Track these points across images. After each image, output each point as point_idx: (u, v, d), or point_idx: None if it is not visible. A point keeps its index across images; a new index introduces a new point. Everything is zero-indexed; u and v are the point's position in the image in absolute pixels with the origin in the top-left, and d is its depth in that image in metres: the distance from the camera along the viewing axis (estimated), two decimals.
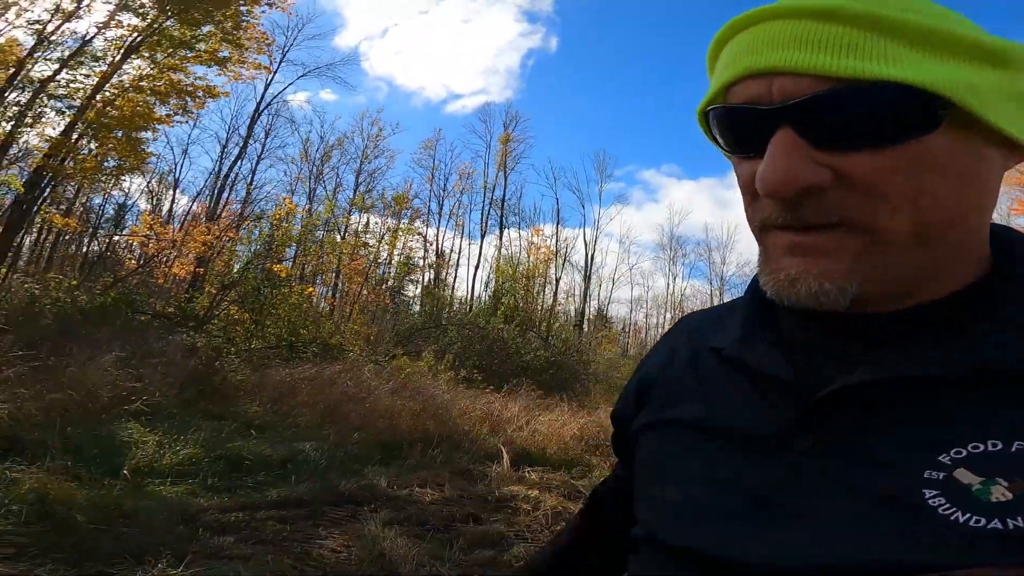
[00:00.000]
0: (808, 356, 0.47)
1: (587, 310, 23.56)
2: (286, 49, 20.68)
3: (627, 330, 28.08)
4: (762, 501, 0.43)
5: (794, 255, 0.43)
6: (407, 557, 3.30)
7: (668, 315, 28.79)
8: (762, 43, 0.42)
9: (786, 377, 0.46)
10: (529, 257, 24.38)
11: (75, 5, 12.35)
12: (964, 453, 0.38)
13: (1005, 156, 0.43)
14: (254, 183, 20.85)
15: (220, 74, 14.57)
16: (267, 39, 15.64)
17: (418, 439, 6.89)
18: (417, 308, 18.07)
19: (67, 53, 12.32)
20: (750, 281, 0.56)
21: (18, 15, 12.47)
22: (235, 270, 11.76)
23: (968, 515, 0.36)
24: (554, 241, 24.79)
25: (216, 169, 20.06)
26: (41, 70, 12.35)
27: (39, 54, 12.23)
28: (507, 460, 6.76)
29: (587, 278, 23.84)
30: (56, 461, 3.13)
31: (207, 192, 21.35)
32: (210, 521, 3.01)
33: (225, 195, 20.15)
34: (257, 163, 21.19)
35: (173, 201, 22.89)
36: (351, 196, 24.33)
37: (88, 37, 12.56)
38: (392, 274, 21.70)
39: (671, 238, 29.75)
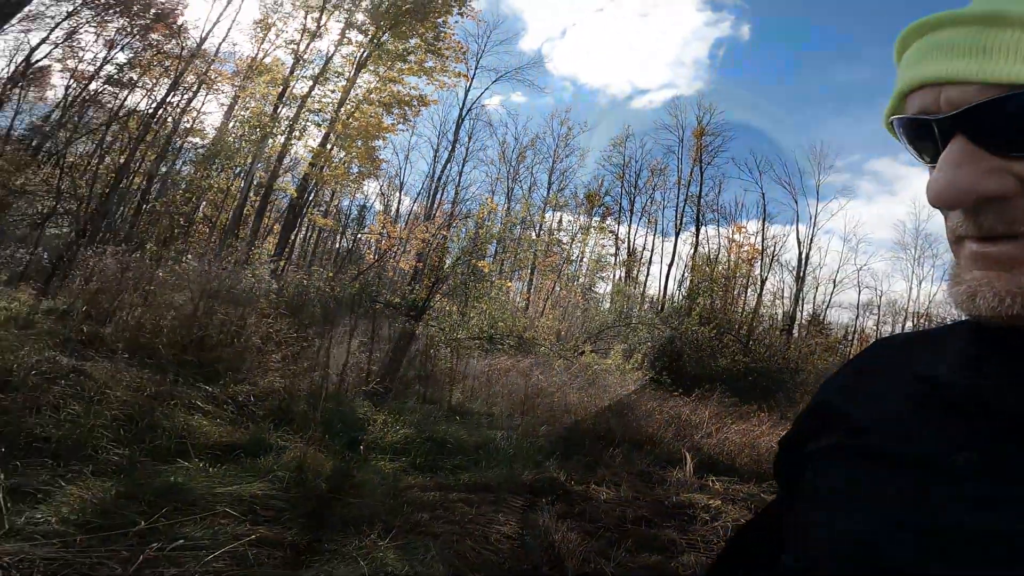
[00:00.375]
0: (1015, 385, 0.41)
1: (798, 314, 21.23)
2: (479, 56, 22.40)
3: (850, 338, 24.56)
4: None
5: (978, 267, 0.41)
6: (574, 551, 3.59)
7: (909, 323, 24.50)
8: (929, 53, 0.42)
9: (996, 406, 0.41)
10: (729, 256, 22.84)
11: (315, 25, 15.02)
12: None
13: None
14: (461, 184, 23.11)
15: (428, 83, 16.47)
16: (462, 47, 17.15)
17: (600, 437, 7.16)
18: (607, 305, 18.29)
19: (316, 71, 15.11)
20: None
21: (277, 35, 15.58)
22: (446, 265, 13.25)
23: None
24: (759, 239, 22.81)
25: (430, 172, 22.69)
26: (300, 88, 15.35)
27: (297, 72, 15.18)
28: (690, 466, 6.66)
29: (800, 279, 21.45)
30: (314, 432, 4.07)
31: (424, 194, 24.23)
32: (413, 498, 3.66)
33: (438, 196, 22.74)
34: (463, 165, 23.45)
35: (399, 202, 26.45)
36: (545, 195, 25.45)
37: (329, 54, 15.21)
38: (584, 271, 22.21)
39: (916, 235, 25.12)
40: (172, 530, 2.52)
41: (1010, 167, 0.38)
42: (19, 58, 12.95)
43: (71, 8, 13.04)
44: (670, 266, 22.37)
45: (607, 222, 24.67)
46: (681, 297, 20.40)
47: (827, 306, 23.35)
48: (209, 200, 15.83)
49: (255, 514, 2.91)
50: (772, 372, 13.32)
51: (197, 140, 16.45)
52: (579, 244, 22.47)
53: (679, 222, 23.75)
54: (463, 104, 21.86)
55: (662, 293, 21.80)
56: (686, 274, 22.31)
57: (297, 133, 15.27)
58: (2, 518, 2.11)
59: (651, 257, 24.16)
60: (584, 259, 22.63)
